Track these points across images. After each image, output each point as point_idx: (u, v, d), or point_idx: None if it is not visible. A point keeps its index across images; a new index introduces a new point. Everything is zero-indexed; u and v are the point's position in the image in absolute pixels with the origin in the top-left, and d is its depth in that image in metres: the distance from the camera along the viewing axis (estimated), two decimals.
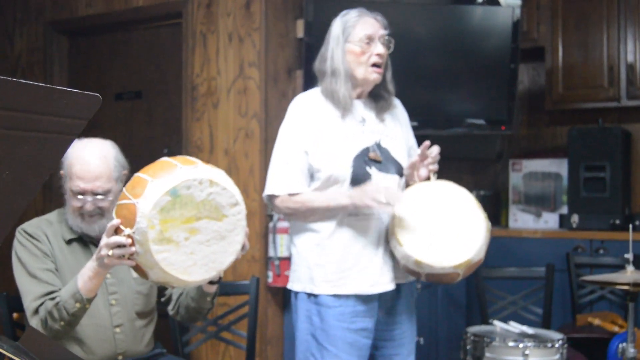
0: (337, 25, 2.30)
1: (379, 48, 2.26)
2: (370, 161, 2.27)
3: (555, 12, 3.96)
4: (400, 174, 2.34)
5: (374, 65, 2.27)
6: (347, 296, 2.23)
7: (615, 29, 3.83)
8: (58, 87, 0.95)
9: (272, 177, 2.31)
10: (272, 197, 2.30)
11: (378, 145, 2.31)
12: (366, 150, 2.27)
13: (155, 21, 4.00)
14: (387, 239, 2.28)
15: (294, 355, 2.34)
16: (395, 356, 2.36)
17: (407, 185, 2.35)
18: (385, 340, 2.35)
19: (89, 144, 2.13)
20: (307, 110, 2.30)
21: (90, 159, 2.09)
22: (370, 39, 2.26)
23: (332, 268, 2.24)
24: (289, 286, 2.36)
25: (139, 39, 4.12)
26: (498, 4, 3.65)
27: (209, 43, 3.71)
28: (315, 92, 2.35)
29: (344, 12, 2.33)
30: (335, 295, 2.23)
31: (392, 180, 2.29)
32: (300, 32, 3.72)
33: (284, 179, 2.27)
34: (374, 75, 2.28)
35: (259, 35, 3.57)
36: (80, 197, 2.09)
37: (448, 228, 2.20)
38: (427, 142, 2.28)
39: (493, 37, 3.67)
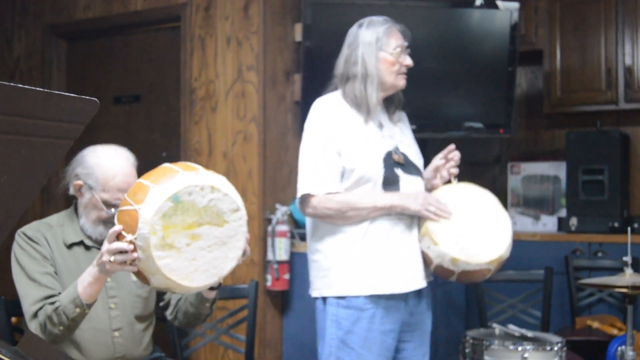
0: (367, 33, 2.33)
1: (408, 60, 2.36)
2: (395, 163, 2.30)
3: (553, 15, 3.97)
4: (421, 177, 2.40)
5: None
6: (380, 296, 2.24)
7: (613, 32, 3.83)
8: (56, 92, 0.95)
9: (307, 177, 2.28)
10: (307, 197, 2.28)
11: (397, 150, 2.35)
12: (390, 153, 2.31)
13: (154, 25, 4.00)
14: (418, 239, 2.31)
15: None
16: (413, 357, 2.37)
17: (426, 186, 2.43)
18: (407, 342, 2.36)
19: (115, 154, 2.14)
20: (333, 112, 2.32)
21: (127, 170, 2.11)
22: (401, 50, 2.35)
23: (369, 268, 2.24)
24: (315, 294, 2.32)
25: (138, 42, 4.12)
26: (496, 7, 3.65)
27: (207, 46, 3.71)
28: (336, 96, 2.37)
29: (368, 19, 2.37)
30: (371, 296, 2.23)
31: (416, 181, 2.35)
32: (298, 36, 3.72)
33: (320, 179, 2.26)
34: (402, 82, 2.38)
35: (257, 39, 3.58)
36: (114, 209, 2.09)
37: (478, 226, 2.27)
38: (452, 146, 2.37)
39: (491, 40, 3.68)
